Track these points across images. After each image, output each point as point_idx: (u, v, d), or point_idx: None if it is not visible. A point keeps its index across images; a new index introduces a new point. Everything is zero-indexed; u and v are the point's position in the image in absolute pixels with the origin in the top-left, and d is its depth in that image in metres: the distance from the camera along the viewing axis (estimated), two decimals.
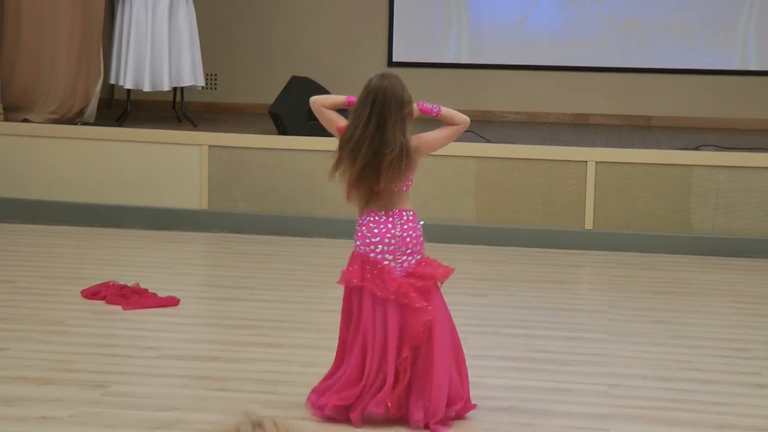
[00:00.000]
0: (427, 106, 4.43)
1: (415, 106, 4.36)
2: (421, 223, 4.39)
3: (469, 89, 10.77)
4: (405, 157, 4.26)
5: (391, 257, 4.29)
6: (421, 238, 4.36)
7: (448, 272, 4.36)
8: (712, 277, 7.17)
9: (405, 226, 4.31)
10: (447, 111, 4.44)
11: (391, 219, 4.31)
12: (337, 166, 4.31)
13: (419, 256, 4.33)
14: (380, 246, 4.29)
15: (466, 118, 4.42)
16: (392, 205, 4.32)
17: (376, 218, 4.32)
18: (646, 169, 7.86)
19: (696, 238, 7.79)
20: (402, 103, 4.27)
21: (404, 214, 4.33)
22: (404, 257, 4.30)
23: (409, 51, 10.87)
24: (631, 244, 7.81)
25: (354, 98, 4.39)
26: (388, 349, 4.26)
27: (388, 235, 4.29)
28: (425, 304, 4.26)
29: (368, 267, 4.30)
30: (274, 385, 4.74)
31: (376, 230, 4.31)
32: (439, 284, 4.36)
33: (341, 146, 4.30)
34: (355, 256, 4.36)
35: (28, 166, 8.58)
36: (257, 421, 2.02)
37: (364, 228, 4.34)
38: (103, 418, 4.30)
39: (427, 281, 4.30)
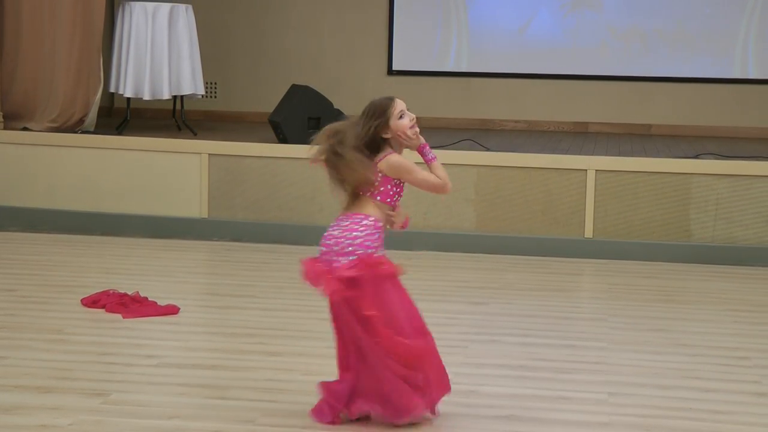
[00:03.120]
0: (427, 150, 4.41)
1: (422, 138, 4.38)
2: (389, 227, 4.38)
3: (468, 97, 10.79)
4: (362, 166, 4.25)
5: (327, 257, 4.30)
6: (362, 242, 4.28)
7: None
8: (712, 285, 7.17)
9: (347, 228, 4.31)
10: (437, 165, 4.40)
11: (341, 222, 4.34)
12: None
13: (354, 257, 4.27)
14: (323, 247, 4.34)
15: (446, 184, 4.36)
16: (352, 209, 4.35)
17: (336, 221, 4.38)
18: (646, 178, 7.87)
19: (695, 247, 7.80)
20: (375, 112, 4.29)
21: (353, 217, 4.33)
22: (336, 257, 4.28)
23: (408, 59, 10.88)
24: (631, 252, 7.82)
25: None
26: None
27: (329, 236, 4.33)
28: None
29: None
30: (275, 394, 4.74)
31: (327, 232, 4.36)
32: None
33: None
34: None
35: (27, 174, 8.59)
36: None
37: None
38: (103, 426, 4.30)
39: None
